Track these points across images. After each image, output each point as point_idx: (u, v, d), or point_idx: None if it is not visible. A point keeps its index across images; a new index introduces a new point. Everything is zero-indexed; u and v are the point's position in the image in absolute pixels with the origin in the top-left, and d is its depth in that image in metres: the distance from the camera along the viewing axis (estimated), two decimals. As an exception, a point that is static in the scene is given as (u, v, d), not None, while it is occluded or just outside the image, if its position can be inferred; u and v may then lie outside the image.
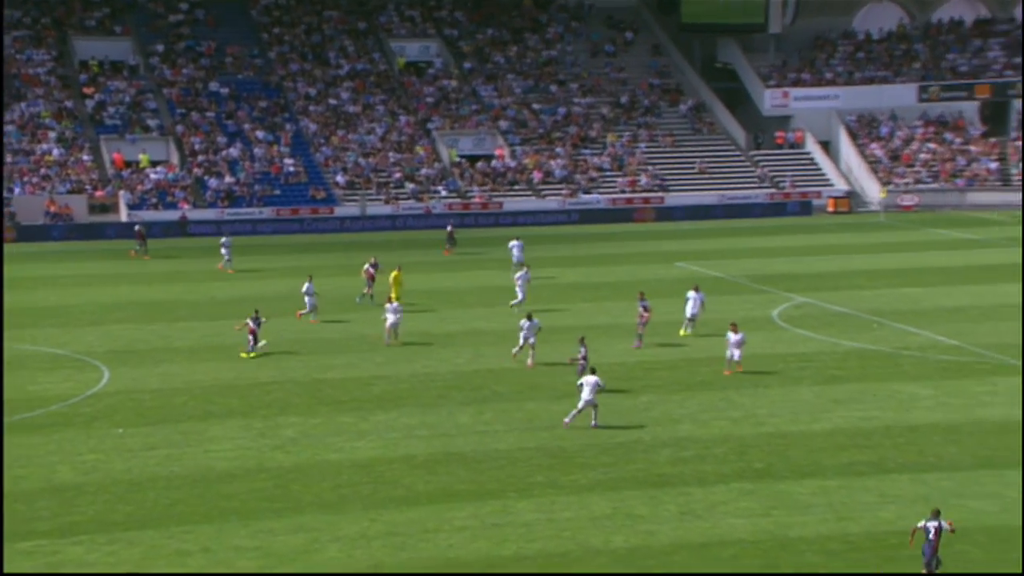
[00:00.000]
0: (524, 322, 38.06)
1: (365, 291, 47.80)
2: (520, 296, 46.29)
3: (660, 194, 76.00)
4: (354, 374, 37.68)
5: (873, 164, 78.86)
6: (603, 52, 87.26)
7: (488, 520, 25.95)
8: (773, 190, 77.35)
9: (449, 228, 62.86)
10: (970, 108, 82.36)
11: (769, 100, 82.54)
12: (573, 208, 73.95)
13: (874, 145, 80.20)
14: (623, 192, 75.89)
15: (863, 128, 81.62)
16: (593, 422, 31.76)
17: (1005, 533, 24.89)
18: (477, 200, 73.91)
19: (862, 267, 56.25)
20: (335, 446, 30.76)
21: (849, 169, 79.72)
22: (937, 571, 22.61)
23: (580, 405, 31.66)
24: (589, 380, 31.70)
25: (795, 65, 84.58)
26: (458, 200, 73.85)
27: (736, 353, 36.74)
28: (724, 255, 59.85)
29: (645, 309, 40.76)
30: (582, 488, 27.75)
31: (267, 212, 71.50)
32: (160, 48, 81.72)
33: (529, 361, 37.81)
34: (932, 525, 22.67)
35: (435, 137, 78.73)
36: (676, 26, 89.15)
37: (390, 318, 40.96)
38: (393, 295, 45.08)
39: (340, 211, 72.32)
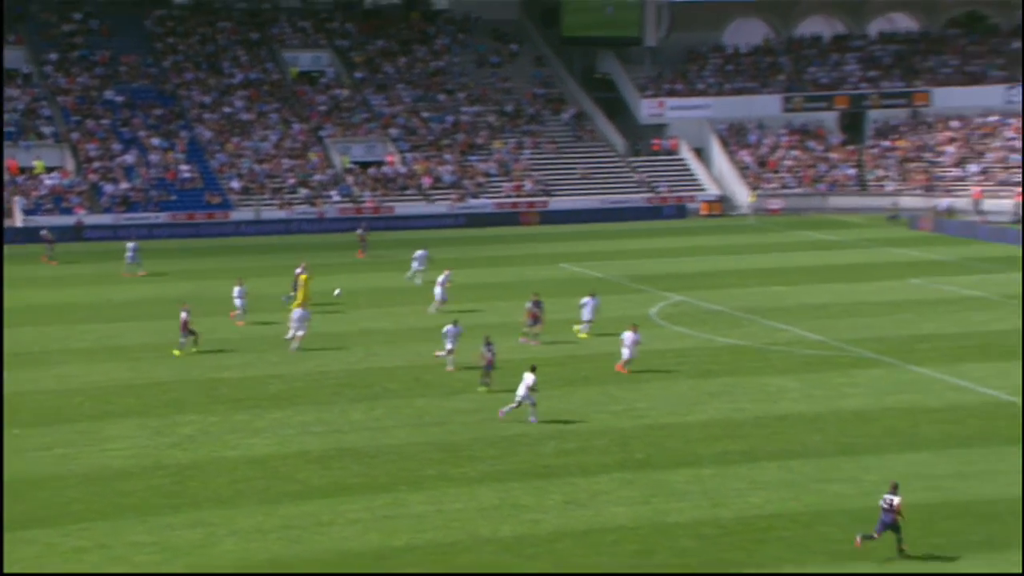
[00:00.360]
0: (449, 328, 37.16)
1: (292, 293, 47.26)
2: (440, 297, 45.87)
3: (544, 198, 76.39)
4: (250, 373, 37.22)
5: (742, 170, 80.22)
6: (489, 63, 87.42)
7: (380, 512, 25.85)
8: (650, 194, 78.26)
9: (360, 231, 62.26)
10: (830, 118, 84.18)
11: (645, 109, 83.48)
12: (461, 212, 73.95)
13: (743, 152, 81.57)
14: (509, 197, 76.11)
15: (733, 136, 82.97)
16: (532, 418, 31.62)
17: (864, 515, 25.49)
18: (369, 205, 73.51)
19: (734, 267, 57.17)
20: (231, 443, 30.36)
21: (721, 174, 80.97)
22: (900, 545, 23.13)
23: (515, 401, 31.59)
24: (527, 379, 31.55)
25: (669, 76, 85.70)
26: (351, 205, 73.41)
27: (626, 352, 36.80)
28: (605, 256, 60.37)
29: (540, 309, 40.89)
30: (471, 480, 27.79)
31: (163, 217, 70.26)
32: (54, 57, 79.76)
33: (449, 367, 36.89)
34: (890, 498, 23.28)
35: (327, 144, 78.11)
36: (558, 39, 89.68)
37: (295, 326, 40.03)
38: (300, 298, 44.59)
39: (235, 215, 71.39)
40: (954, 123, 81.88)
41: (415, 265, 52.41)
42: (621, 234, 69.24)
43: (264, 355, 39.49)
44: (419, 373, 37.01)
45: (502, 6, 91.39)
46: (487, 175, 77.53)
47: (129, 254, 55.35)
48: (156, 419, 32.29)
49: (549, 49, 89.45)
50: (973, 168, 77.36)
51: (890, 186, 78.37)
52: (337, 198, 73.81)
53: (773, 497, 26.59)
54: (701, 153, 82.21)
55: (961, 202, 74.31)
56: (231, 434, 31.05)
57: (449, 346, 36.96)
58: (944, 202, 74.21)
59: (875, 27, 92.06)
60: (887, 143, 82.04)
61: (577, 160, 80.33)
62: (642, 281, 52.94)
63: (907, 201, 75.63)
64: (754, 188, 78.18)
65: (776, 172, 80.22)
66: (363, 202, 73.77)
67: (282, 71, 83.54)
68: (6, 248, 63.94)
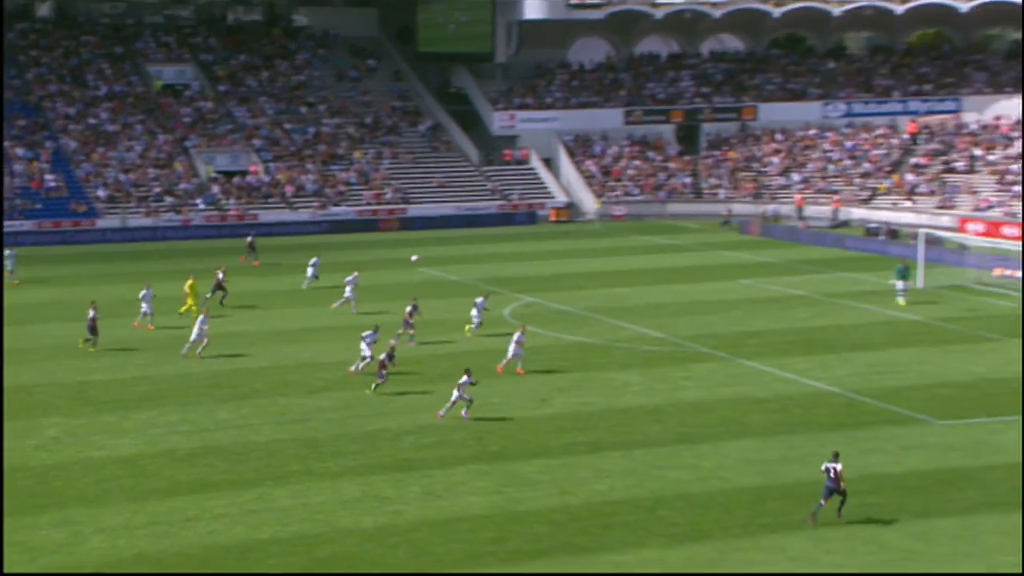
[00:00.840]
0: (368, 334, 36.24)
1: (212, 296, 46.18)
2: (348, 296, 45.14)
3: (403, 206, 76.08)
4: (117, 376, 36.16)
5: (588, 179, 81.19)
6: (348, 77, 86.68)
7: (246, 507, 25.40)
8: (503, 202, 78.65)
9: (250, 239, 60.83)
10: (667, 130, 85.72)
11: (497, 122, 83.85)
12: (324, 219, 73.13)
13: (589, 162, 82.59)
14: (369, 204, 75.60)
15: (579, 147, 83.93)
16: (463, 412, 31.47)
17: (700, 499, 26.06)
18: (234, 213, 72.17)
19: (581, 270, 57.81)
20: (98, 444, 29.45)
21: (568, 183, 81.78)
22: (841, 509, 24.28)
23: (452, 400, 31.60)
24: (463, 379, 31.41)
25: (519, 91, 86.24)
26: (216, 212, 71.93)
27: (511, 350, 36.71)
28: (461, 261, 60.39)
29: (416, 311, 40.62)
30: (334, 474, 27.51)
31: (28, 225, 67.80)
32: (-83, 67, 76.35)
33: (353, 368, 36.08)
34: (832, 466, 24.27)
35: (192, 154, 76.40)
36: (413, 55, 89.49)
37: (197, 331, 38.47)
38: (191, 304, 43.57)
39: (102, 223, 69.32)
40: (778, 136, 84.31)
41: (310, 272, 51.42)
42: (476, 239, 69.40)
43: (130, 357, 38.41)
44: (283, 373, 36.46)
45: (360, 23, 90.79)
46: (348, 184, 76.87)
47: (8, 263, 53.37)
48: (21, 422, 31.12)
49: (406, 64, 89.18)
50: (795, 177, 79.76)
51: (722, 194, 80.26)
52: (202, 206, 72.26)
53: (617, 484, 26.97)
54: (550, 163, 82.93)
55: (785, 208, 76.55)
56: (98, 435, 30.12)
57: (367, 353, 35.89)
58: (770, 208, 76.35)
59: (707, 47, 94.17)
60: (719, 154, 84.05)
61: (434, 170, 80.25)
62: (496, 284, 53.13)
63: (738, 207, 77.57)
64: (599, 196, 79.22)
65: (619, 180, 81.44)
66: (228, 210, 72.38)
67: (146, 84, 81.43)
68: None
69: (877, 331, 42.57)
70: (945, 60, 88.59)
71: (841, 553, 23.08)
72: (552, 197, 79.99)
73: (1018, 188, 70.63)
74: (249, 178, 75.38)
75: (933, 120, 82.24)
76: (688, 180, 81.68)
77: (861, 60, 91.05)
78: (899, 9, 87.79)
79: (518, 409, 32.93)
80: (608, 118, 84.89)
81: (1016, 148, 75.22)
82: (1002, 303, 47.74)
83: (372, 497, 26.08)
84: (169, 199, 72.11)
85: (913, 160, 78.71)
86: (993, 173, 73.75)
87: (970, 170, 75.25)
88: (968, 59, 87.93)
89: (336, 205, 74.68)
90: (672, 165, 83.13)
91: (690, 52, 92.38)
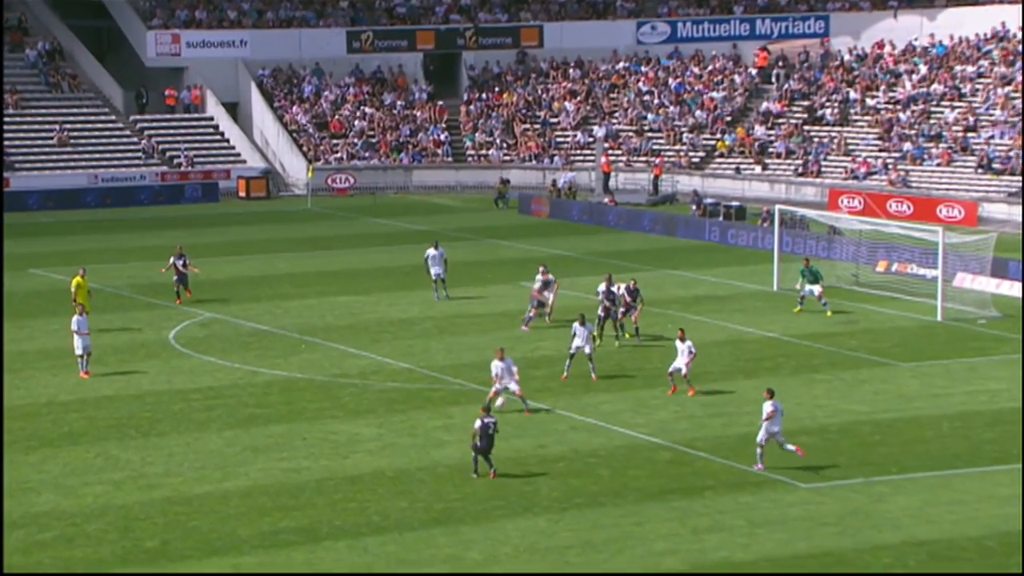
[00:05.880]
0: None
1: None
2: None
3: (5, 174, 74.04)
4: None
5: (295, 134, 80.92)
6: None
7: None
8: (165, 168, 77.52)
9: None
10: (412, 61, 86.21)
11: (154, 46, 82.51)
12: None
13: (296, 109, 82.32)
14: (-50, 172, 73.38)
15: (281, 86, 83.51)
16: None
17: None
18: None
19: (286, 270, 57.58)
20: None
21: (265, 141, 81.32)
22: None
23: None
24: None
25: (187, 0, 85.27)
26: None
27: None
28: (98, 257, 59.07)
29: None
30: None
31: None
32: None
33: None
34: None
35: None
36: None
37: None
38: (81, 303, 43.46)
39: None
40: (573, 72, 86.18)
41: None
42: (122, 225, 68.18)
43: None
44: None
45: None
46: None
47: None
48: None
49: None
50: (599, 132, 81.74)
51: (495, 155, 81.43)
52: None
53: (344, 590, 27.00)
54: (236, 110, 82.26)
55: (585, 176, 78.25)
56: None
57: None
58: (564, 177, 77.89)
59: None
60: (488, 97, 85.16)
61: (52, 118, 78.48)
62: (155, 292, 52.29)
63: (517, 176, 78.86)
64: (312, 160, 79.05)
65: (343, 137, 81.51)
66: None
67: None
68: None
69: (717, 354, 44.02)
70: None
71: None
72: (241, 161, 79.51)
73: (909, 146, 74.55)
74: None
75: (791, 48, 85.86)
76: (443, 136, 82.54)
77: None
78: None
79: (191, 482, 32.53)
80: (323, 42, 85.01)
81: (906, 90, 79.37)
82: (889, 311, 50.16)
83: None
84: None
85: (764, 106, 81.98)
86: (875, 125, 77.63)
87: (843, 121, 78.93)
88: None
89: None
90: (420, 114, 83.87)
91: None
